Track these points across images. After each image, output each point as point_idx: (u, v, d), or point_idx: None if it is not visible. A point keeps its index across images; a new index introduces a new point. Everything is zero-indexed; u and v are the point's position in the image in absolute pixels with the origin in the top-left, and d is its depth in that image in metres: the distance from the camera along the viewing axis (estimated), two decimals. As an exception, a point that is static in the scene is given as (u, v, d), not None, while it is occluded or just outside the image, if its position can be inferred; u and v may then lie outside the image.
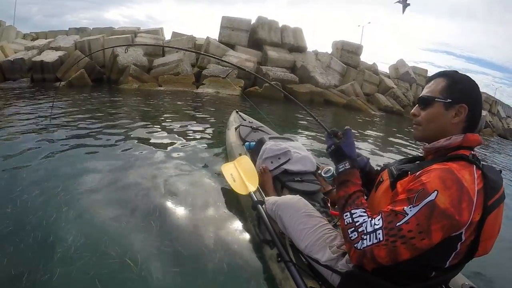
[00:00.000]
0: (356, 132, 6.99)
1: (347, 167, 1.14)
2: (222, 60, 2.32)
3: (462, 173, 0.88)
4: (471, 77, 1.03)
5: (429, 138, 1.05)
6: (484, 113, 17.91)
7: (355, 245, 0.94)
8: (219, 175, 2.63)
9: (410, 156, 1.24)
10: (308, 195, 1.91)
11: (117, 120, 4.89)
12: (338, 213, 1.14)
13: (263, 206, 1.71)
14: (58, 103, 5.91)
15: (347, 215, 1.02)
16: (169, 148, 3.48)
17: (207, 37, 13.73)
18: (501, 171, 1.01)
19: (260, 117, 4.05)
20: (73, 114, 5.01)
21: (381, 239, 0.90)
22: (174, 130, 4.49)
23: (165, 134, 4.16)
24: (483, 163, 0.97)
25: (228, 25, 14.04)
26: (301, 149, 2.37)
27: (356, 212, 1.00)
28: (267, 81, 2.28)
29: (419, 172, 0.94)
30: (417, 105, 1.08)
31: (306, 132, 5.84)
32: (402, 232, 0.87)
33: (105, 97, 7.87)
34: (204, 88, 11.10)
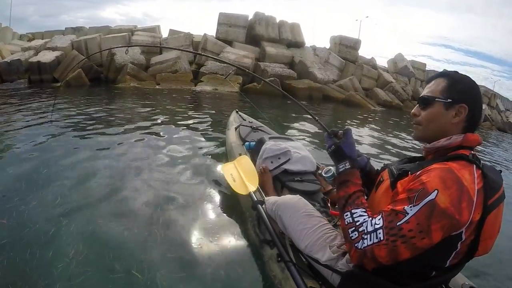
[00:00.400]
0: (355, 128, 6.99)
1: (347, 167, 1.14)
2: (220, 60, 2.30)
3: (462, 173, 0.88)
4: (469, 70, 1.09)
5: (429, 138, 1.06)
6: (483, 106, 17.95)
7: (356, 245, 0.94)
8: (219, 175, 2.63)
9: (410, 156, 1.23)
10: (308, 195, 1.91)
11: (116, 121, 4.88)
12: (339, 213, 1.14)
13: (263, 206, 1.71)
14: (56, 105, 5.89)
15: (347, 215, 1.02)
16: (168, 148, 3.47)
17: (205, 34, 13.69)
18: (501, 171, 1.01)
19: (261, 115, 4.04)
20: (72, 116, 4.98)
21: (382, 238, 0.90)
22: (173, 130, 4.48)
23: (164, 134, 4.15)
24: (483, 162, 0.97)
25: (225, 21, 14.00)
26: (301, 149, 2.37)
27: (356, 212, 1.00)
28: (264, 80, 2.27)
29: (419, 171, 0.95)
30: (417, 105, 1.09)
31: (305, 131, 5.83)
32: (403, 232, 0.87)
33: (103, 97, 7.85)
34: (202, 85, 11.09)
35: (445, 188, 0.85)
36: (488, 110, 20.16)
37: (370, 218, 0.96)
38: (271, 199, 1.66)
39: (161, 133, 4.17)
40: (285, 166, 2.17)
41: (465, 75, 1.04)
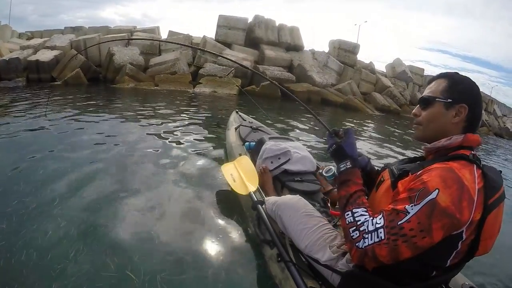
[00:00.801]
0: (354, 132, 6.99)
1: (349, 166, 1.14)
2: (222, 56, 2.30)
3: (463, 172, 0.89)
4: (467, 76, 1.05)
5: (430, 138, 1.06)
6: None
7: (357, 244, 0.94)
8: (219, 175, 2.63)
9: (411, 157, 1.24)
10: (308, 195, 1.92)
11: (114, 121, 4.86)
12: (339, 212, 1.14)
13: (263, 206, 1.71)
14: (53, 103, 5.88)
15: (348, 214, 1.02)
16: (168, 149, 3.47)
17: (204, 36, 13.71)
18: (501, 171, 1.01)
19: (260, 115, 4.04)
20: (68, 114, 4.96)
21: (383, 238, 0.90)
22: (173, 130, 4.47)
23: (164, 134, 4.14)
24: (484, 163, 0.97)
25: (225, 24, 14.02)
26: (301, 149, 2.37)
27: (357, 211, 1.00)
28: (268, 79, 2.27)
29: (420, 171, 0.95)
30: (418, 105, 1.09)
31: (305, 132, 5.84)
32: (404, 231, 0.88)
33: (101, 97, 7.82)
34: (201, 87, 11.09)
35: (446, 187, 0.86)
36: (485, 115, 20.28)
37: (371, 218, 0.96)
38: (271, 199, 1.67)
39: (160, 133, 4.16)
40: (285, 166, 2.17)
41: (466, 76, 1.05)
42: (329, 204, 1.86)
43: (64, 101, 6.21)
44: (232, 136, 3.04)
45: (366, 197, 1.08)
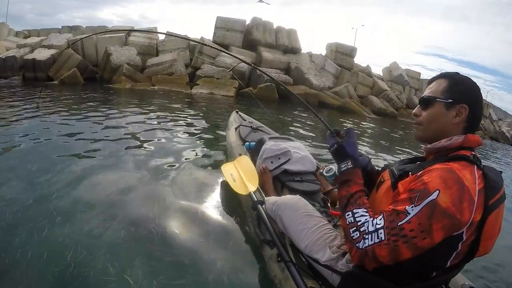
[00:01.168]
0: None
1: (349, 166, 1.14)
2: (224, 51, 2.30)
3: (463, 173, 0.89)
4: (467, 76, 1.05)
5: (430, 138, 1.06)
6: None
7: (357, 245, 0.94)
8: (219, 175, 2.62)
9: (411, 157, 1.24)
10: (308, 195, 1.92)
11: (111, 120, 4.82)
12: (339, 212, 1.13)
13: (263, 206, 1.71)
14: (50, 101, 5.84)
15: (349, 215, 1.02)
16: (167, 149, 3.45)
17: (201, 38, 13.72)
18: (501, 172, 1.02)
19: (260, 115, 4.03)
20: (63, 113, 4.91)
21: (383, 238, 0.90)
22: (172, 130, 4.45)
23: (163, 135, 4.12)
24: (484, 163, 0.98)
25: (223, 25, 14.04)
26: (301, 149, 2.38)
27: (358, 212, 1.00)
28: (270, 76, 2.28)
29: (420, 172, 0.95)
30: (418, 105, 1.09)
31: (304, 132, 5.86)
32: (404, 232, 0.87)
33: (97, 96, 7.77)
34: (198, 88, 11.09)
35: (446, 188, 0.86)
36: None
37: (372, 218, 0.96)
38: (271, 199, 1.67)
39: (159, 134, 4.14)
40: (285, 166, 2.17)
41: (466, 76, 1.05)
42: (329, 204, 1.86)
43: (59, 102, 6.13)
44: (232, 136, 3.04)
45: (366, 197, 1.08)
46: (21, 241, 1.63)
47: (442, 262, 0.96)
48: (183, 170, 2.84)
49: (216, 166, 2.96)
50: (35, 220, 1.81)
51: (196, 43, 13.44)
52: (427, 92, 1.08)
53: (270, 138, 2.53)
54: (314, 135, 5.69)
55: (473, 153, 0.99)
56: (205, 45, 3.04)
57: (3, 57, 10.06)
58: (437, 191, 0.86)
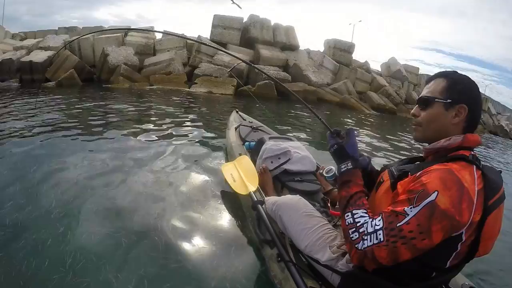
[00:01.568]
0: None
1: (350, 167, 1.13)
2: (223, 51, 2.29)
3: (463, 174, 0.88)
4: (466, 75, 1.04)
5: (430, 138, 1.05)
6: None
7: (356, 246, 0.94)
8: (219, 175, 2.62)
9: (410, 157, 1.23)
10: (308, 195, 1.92)
11: (110, 121, 4.81)
12: (339, 213, 1.13)
13: (263, 206, 1.71)
14: (48, 103, 5.81)
15: (348, 216, 1.01)
16: (167, 149, 3.44)
17: (199, 36, 13.67)
18: (501, 172, 1.01)
19: (259, 114, 4.02)
20: (61, 116, 4.88)
21: (382, 239, 0.89)
22: (170, 130, 4.44)
23: (162, 135, 4.11)
24: (483, 163, 0.97)
25: (220, 23, 13.98)
26: (301, 149, 2.38)
27: (357, 213, 1.00)
28: (269, 76, 2.27)
29: (419, 172, 0.94)
30: (417, 105, 1.08)
31: (303, 131, 5.85)
32: (403, 233, 0.87)
33: (95, 97, 7.74)
34: (196, 87, 11.06)
35: (445, 189, 0.85)
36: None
37: (371, 219, 0.95)
38: (271, 199, 1.66)
39: (157, 133, 4.14)
40: (285, 166, 2.17)
41: (465, 75, 1.04)
42: (329, 204, 1.86)
43: (56, 104, 6.06)
44: (232, 135, 3.04)
45: (366, 198, 1.08)
46: (22, 248, 1.62)
47: (442, 263, 0.96)
48: (183, 170, 2.84)
49: (216, 166, 2.96)
50: (35, 227, 1.79)
51: (193, 42, 13.44)
52: (425, 91, 1.07)
53: (270, 138, 2.53)
54: (313, 134, 5.68)
55: (472, 153, 0.98)
56: (203, 43, 3.04)
57: (0, 60, 10.02)
58: (436, 192, 0.85)
